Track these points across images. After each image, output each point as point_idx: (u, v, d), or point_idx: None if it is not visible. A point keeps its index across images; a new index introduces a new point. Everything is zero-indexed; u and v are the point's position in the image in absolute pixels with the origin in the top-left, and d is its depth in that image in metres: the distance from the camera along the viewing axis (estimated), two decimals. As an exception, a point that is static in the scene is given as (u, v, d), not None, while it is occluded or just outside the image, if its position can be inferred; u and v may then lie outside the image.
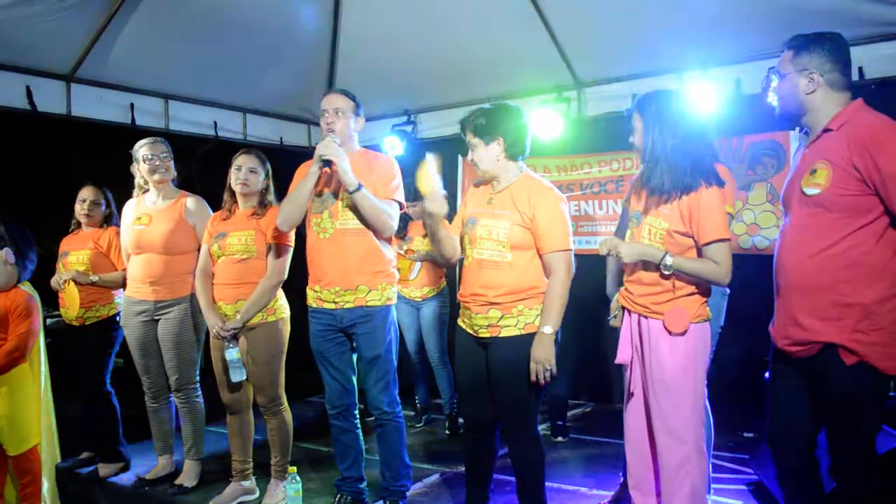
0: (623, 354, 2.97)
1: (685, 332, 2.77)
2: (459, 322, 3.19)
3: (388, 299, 3.38)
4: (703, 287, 2.83)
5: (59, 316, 4.48)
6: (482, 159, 3.04)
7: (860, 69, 4.41)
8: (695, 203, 2.73)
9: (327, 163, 3.19)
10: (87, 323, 4.31)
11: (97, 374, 4.34)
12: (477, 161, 3.05)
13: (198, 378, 4.10)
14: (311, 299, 3.42)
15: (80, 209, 4.41)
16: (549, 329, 2.91)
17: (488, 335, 3.01)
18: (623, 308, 2.99)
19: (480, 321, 3.02)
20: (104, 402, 4.36)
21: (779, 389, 2.67)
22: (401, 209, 3.40)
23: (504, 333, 2.98)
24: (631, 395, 2.96)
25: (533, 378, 2.91)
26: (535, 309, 2.97)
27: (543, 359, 2.89)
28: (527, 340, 2.94)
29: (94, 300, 4.30)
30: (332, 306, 3.34)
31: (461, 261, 3.23)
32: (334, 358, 3.42)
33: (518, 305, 2.96)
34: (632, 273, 2.92)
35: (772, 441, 2.71)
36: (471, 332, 3.09)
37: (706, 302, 2.86)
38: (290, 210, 3.35)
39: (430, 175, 3.00)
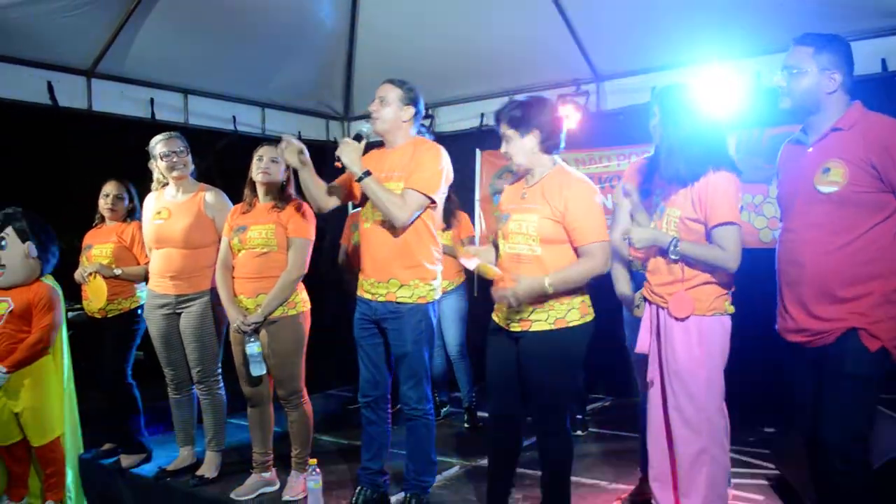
0: (642, 344, 2.99)
1: (688, 317, 2.78)
2: (493, 315, 3.19)
3: (420, 297, 3.30)
4: (720, 278, 2.80)
5: (81, 309, 4.53)
6: (517, 151, 3.02)
7: (883, 61, 4.39)
8: (704, 187, 2.76)
9: (338, 158, 3.20)
10: (109, 315, 4.34)
11: (119, 366, 4.37)
12: (511, 153, 3.03)
13: (220, 370, 4.13)
14: (358, 287, 3.44)
15: (103, 203, 4.44)
16: (547, 281, 2.87)
17: (519, 329, 3.01)
18: (644, 298, 3.01)
19: (512, 315, 3.01)
20: (126, 394, 4.40)
21: (801, 391, 2.70)
22: (432, 203, 3.28)
23: (535, 328, 2.97)
24: (651, 384, 2.96)
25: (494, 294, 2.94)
26: (566, 304, 2.96)
27: (516, 293, 2.86)
28: (557, 335, 2.95)
29: (116, 293, 4.33)
30: (370, 297, 3.34)
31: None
32: (369, 348, 3.42)
33: (549, 300, 2.95)
34: (651, 263, 2.95)
35: (807, 443, 2.72)
36: (503, 325, 3.09)
37: (725, 295, 2.84)
38: (308, 196, 3.47)
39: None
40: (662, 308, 2.88)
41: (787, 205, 2.68)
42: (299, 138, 6.44)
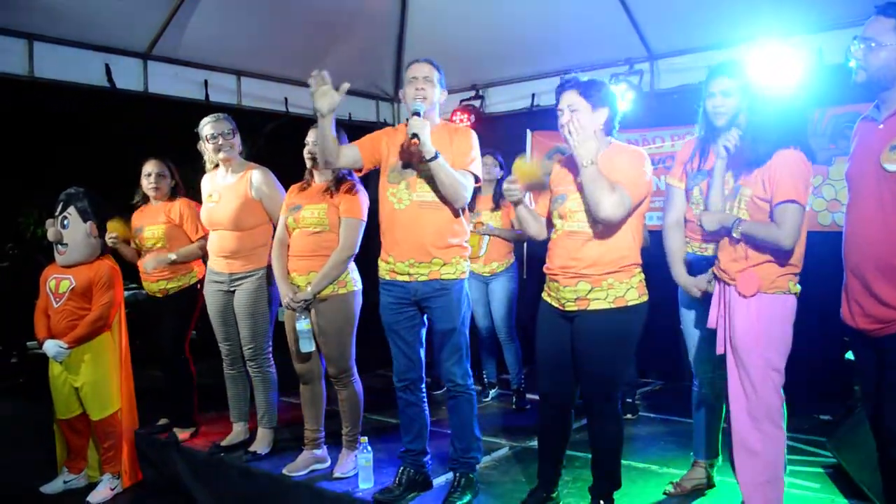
0: (712, 319, 3.00)
1: (753, 295, 2.79)
2: (544, 296, 3.16)
3: (461, 273, 3.35)
4: (779, 256, 2.78)
5: (136, 288, 4.62)
6: (589, 125, 2.96)
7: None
8: (774, 166, 2.75)
9: (414, 136, 3.15)
10: (169, 293, 4.43)
11: (177, 341, 4.47)
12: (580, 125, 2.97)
13: (270, 348, 4.19)
14: (384, 271, 3.40)
15: (146, 183, 4.47)
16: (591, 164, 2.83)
17: (576, 308, 2.98)
18: (714, 275, 3.01)
19: (568, 294, 2.99)
20: (182, 368, 4.50)
21: (865, 380, 2.65)
22: (476, 182, 3.34)
23: (593, 307, 2.95)
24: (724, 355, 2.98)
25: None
26: (625, 283, 2.94)
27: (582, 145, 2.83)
28: (616, 314, 2.94)
29: (174, 270, 4.41)
30: (406, 279, 3.33)
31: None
32: (404, 331, 3.42)
33: (608, 279, 2.93)
34: (721, 242, 2.96)
35: (873, 432, 2.66)
36: (557, 305, 3.07)
37: (789, 275, 2.82)
38: (321, 146, 3.29)
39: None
40: (730, 285, 2.89)
41: (855, 183, 2.60)
42: (349, 120, 6.54)
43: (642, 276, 3.04)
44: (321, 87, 3.11)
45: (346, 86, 3.15)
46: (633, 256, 2.98)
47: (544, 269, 3.13)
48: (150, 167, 4.48)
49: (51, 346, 4.16)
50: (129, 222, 4.46)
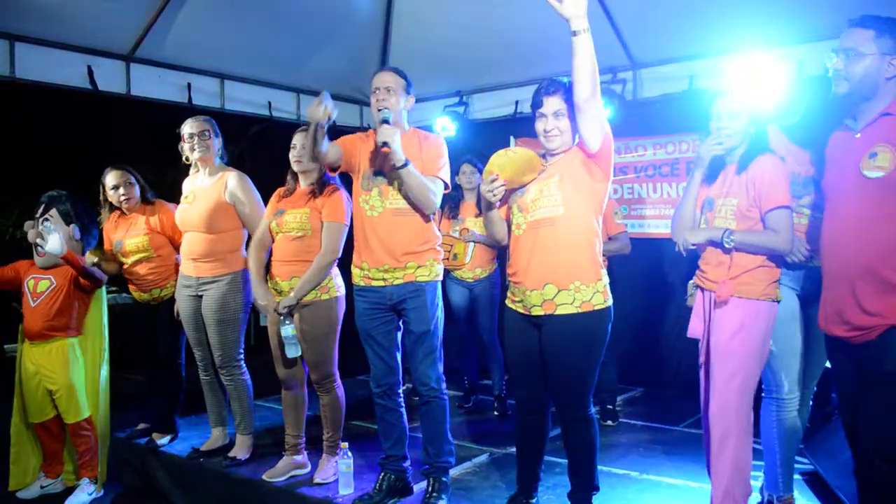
0: (694, 329, 3.05)
1: (726, 301, 2.87)
2: (508, 303, 3.16)
3: (436, 275, 3.38)
4: (772, 262, 2.86)
5: (116, 292, 4.57)
6: (567, 130, 2.97)
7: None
8: (756, 173, 2.84)
9: (384, 144, 3.15)
10: (164, 300, 4.41)
11: (172, 346, 4.45)
12: (562, 130, 2.96)
13: (241, 356, 4.15)
14: (358, 278, 3.41)
15: (116, 196, 4.37)
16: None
17: (543, 313, 2.96)
18: (697, 287, 3.07)
19: (535, 299, 2.97)
20: (174, 372, 4.48)
21: (843, 388, 2.67)
22: (446, 189, 3.36)
23: (560, 311, 2.93)
24: (702, 368, 3.04)
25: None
26: (591, 287, 2.93)
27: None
28: (584, 318, 2.92)
29: (166, 277, 4.40)
30: (381, 283, 3.34)
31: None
32: (381, 336, 3.42)
33: (575, 282, 2.92)
34: (704, 254, 3.02)
35: (850, 439, 2.69)
36: (523, 311, 3.05)
37: (776, 282, 2.89)
38: (312, 150, 3.19)
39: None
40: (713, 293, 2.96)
41: (833, 192, 2.63)
42: (333, 124, 6.52)
43: (607, 279, 3.03)
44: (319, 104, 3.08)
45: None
46: (597, 255, 2.98)
47: (508, 274, 3.12)
48: (114, 179, 4.38)
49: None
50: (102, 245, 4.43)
